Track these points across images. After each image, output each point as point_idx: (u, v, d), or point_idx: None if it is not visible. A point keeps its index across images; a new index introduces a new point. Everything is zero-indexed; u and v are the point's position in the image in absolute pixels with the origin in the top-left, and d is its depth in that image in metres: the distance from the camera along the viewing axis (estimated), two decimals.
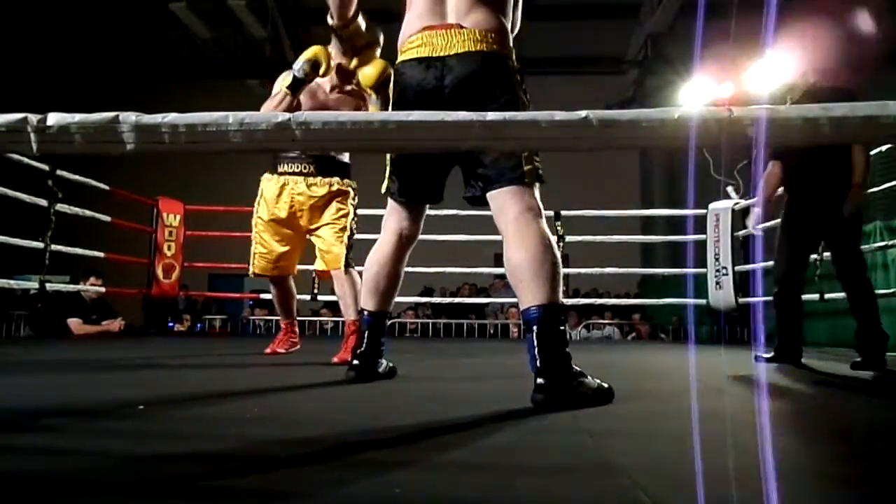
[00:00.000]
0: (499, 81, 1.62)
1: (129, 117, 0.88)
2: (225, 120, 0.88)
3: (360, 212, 2.86)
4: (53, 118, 0.88)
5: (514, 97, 1.63)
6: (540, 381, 1.42)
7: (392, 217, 1.86)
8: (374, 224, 2.72)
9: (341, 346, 2.67)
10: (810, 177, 2.87)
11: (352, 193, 2.80)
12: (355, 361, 1.88)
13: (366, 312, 1.88)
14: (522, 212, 1.56)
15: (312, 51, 2.44)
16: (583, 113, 0.88)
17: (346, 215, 2.75)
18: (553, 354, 1.44)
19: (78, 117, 0.88)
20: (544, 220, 1.58)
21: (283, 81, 2.56)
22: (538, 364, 1.43)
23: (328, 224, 2.77)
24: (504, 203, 1.59)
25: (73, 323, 5.16)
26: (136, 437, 1.10)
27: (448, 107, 1.63)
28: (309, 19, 9.19)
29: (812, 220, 2.90)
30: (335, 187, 2.78)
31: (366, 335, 1.88)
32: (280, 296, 3.04)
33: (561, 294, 1.51)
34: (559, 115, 0.90)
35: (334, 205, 2.78)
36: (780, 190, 3.11)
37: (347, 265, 2.70)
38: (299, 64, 2.43)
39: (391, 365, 2.00)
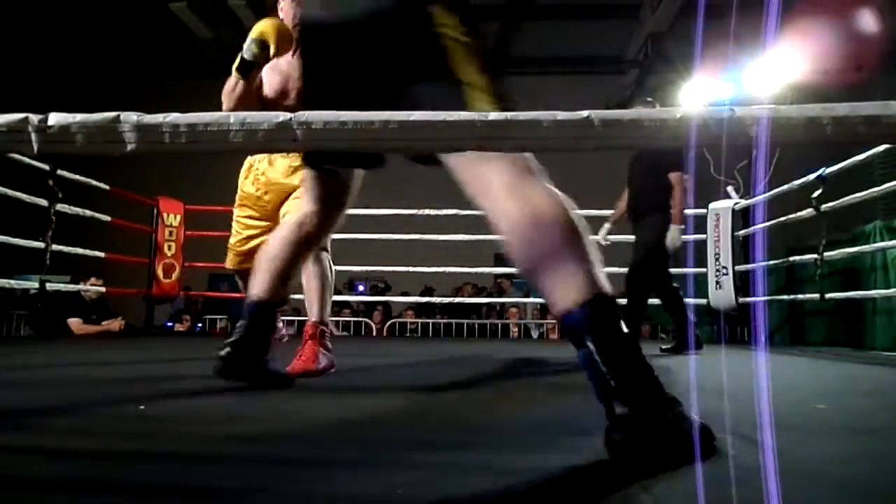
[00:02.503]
0: (415, 16, 1.18)
1: (131, 117, 0.88)
2: (226, 120, 0.88)
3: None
4: (54, 118, 0.87)
5: (434, 40, 1.16)
6: (620, 410, 0.93)
7: (303, 199, 1.60)
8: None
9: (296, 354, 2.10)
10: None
11: None
12: (226, 350, 1.58)
13: (252, 298, 1.61)
14: (504, 186, 1.08)
15: (259, 28, 2.06)
16: (584, 113, 0.88)
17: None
18: (630, 369, 0.95)
19: (79, 117, 0.87)
20: (532, 177, 1.08)
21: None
22: (613, 385, 0.93)
23: (294, 199, 2.44)
24: (471, 178, 1.12)
25: (74, 323, 5.17)
26: (136, 437, 1.10)
27: (350, 56, 1.28)
28: None
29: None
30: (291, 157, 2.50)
31: (245, 324, 1.58)
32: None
33: (605, 282, 1.00)
34: (561, 115, 0.89)
35: (296, 175, 2.48)
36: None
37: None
38: (247, 44, 2.08)
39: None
